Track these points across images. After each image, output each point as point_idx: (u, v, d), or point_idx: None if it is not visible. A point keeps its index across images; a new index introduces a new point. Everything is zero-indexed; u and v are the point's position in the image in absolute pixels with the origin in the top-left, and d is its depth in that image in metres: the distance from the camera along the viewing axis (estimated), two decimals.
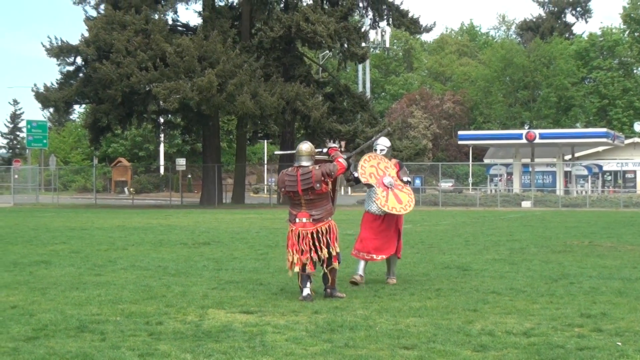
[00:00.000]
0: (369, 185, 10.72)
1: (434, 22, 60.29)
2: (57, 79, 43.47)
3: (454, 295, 9.57)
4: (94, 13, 43.31)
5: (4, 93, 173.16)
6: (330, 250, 9.32)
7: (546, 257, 14.18)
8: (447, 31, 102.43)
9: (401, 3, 45.82)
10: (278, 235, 19.35)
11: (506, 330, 7.40)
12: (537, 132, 51.04)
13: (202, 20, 43.43)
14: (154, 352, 6.55)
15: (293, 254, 9.28)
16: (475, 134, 60.39)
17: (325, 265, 9.36)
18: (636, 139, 61.08)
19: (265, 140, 63.03)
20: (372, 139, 11.23)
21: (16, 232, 21.04)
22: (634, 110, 75.11)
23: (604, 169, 56.87)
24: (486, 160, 66.98)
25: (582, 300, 9.13)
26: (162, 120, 48.61)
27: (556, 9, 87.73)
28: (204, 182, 46.13)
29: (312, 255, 9.22)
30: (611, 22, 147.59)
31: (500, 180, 58.30)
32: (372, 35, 57.61)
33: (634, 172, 58.23)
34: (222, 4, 45.46)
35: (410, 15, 45.38)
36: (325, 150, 9.94)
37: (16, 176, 50.86)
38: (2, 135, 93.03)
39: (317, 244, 9.28)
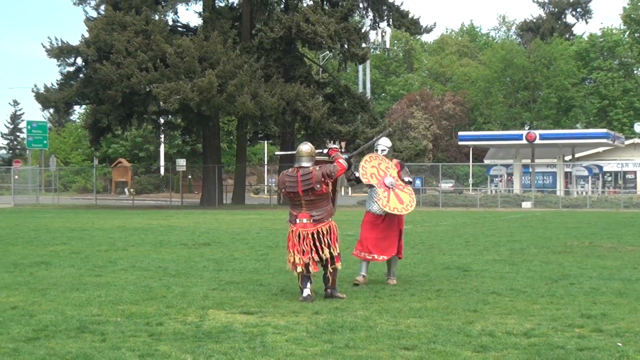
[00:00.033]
0: (370, 186, 10.73)
1: (434, 23, 60.32)
2: (57, 80, 43.51)
3: (454, 295, 9.57)
4: (94, 14, 43.40)
5: (4, 94, 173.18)
6: (332, 251, 9.33)
7: (546, 257, 14.18)
8: (447, 32, 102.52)
9: (401, 4, 45.88)
10: (278, 235, 19.35)
11: (506, 330, 7.40)
12: (537, 132, 51.09)
13: (202, 21, 43.44)
14: (154, 352, 6.55)
15: (294, 254, 9.28)
16: (475, 135, 60.44)
17: (326, 266, 9.36)
18: (636, 140, 61.09)
19: (266, 141, 63.04)
20: (374, 139, 11.24)
21: (16, 232, 21.04)
22: (634, 111, 75.12)
23: (604, 169, 56.88)
24: (486, 161, 66.99)
25: (582, 301, 9.13)
26: (162, 120, 48.61)
27: (556, 9, 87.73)
28: (204, 182, 46.13)
29: (312, 255, 9.23)
30: (611, 22, 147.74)
31: (500, 180, 58.32)
32: (373, 35, 57.61)
33: (634, 172, 58.23)
34: (222, 4, 45.47)
35: (410, 16, 45.40)
36: (325, 151, 9.95)
37: (16, 177, 50.88)
38: (2, 136, 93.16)
39: (317, 244, 9.29)
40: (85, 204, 48.23)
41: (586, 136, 53.01)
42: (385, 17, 46.24)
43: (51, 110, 46.88)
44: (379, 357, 6.42)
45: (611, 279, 11.12)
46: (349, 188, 57.56)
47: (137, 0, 40.30)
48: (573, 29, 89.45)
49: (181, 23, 46.41)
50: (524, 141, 49.29)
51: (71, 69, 43.29)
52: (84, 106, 56.65)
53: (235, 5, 46.76)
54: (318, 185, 9.28)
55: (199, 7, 45.81)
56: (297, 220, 9.38)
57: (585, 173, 52.87)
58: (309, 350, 6.65)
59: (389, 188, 10.63)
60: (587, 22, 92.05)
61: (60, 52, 41.48)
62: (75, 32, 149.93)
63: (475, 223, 26.54)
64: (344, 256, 10.00)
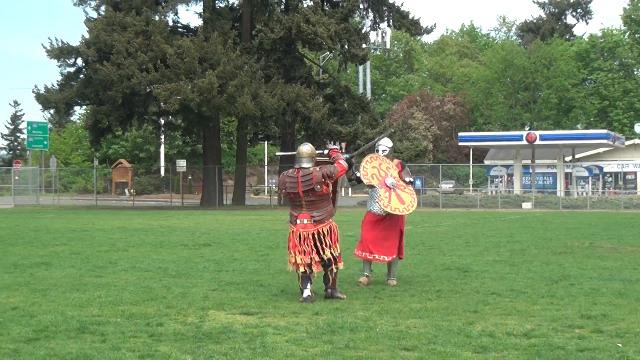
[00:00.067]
0: (372, 186, 10.74)
1: (435, 24, 60.37)
2: (57, 81, 43.54)
3: (455, 296, 9.57)
4: (94, 14, 43.42)
5: (5, 94, 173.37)
6: (332, 251, 9.34)
7: (547, 258, 14.18)
8: (447, 32, 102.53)
9: (402, 4, 45.85)
10: (279, 236, 19.36)
11: (507, 331, 7.40)
12: (537, 133, 51.09)
13: (202, 22, 43.44)
14: (154, 353, 6.55)
15: (295, 255, 9.29)
16: (475, 136, 60.46)
17: (327, 266, 9.37)
18: (637, 141, 61.08)
19: (266, 142, 63.04)
20: (375, 139, 11.24)
21: (17, 233, 21.04)
22: (635, 111, 75.13)
23: (605, 170, 56.88)
24: (487, 162, 66.99)
25: (582, 302, 9.13)
26: (162, 121, 48.61)
27: (557, 10, 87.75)
28: (204, 183, 46.13)
29: (313, 256, 9.23)
30: (612, 23, 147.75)
31: (500, 181, 58.33)
32: (373, 36, 57.66)
33: (635, 173, 58.23)
34: (222, 5, 45.47)
35: (410, 16, 45.41)
36: (326, 152, 9.97)
37: (17, 177, 50.88)
38: (2, 137, 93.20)
39: (318, 245, 9.29)
40: (85, 204, 48.24)
41: (586, 137, 53.03)
42: (386, 18, 46.26)
43: (51, 111, 46.89)
44: (379, 358, 6.42)
45: (611, 279, 11.12)
46: (349, 189, 57.67)
47: (137, 1, 40.31)
48: (573, 29, 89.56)
49: (181, 24, 46.46)
50: (524, 142, 49.31)
51: (71, 69, 43.34)
52: (84, 107, 56.68)
53: (235, 6, 46.77)
54: (318, 186, 9.28)
55: (199, 7, 45.88)
56: (298, 221, 9.39)
57: (586, 174, 52.87)
58: (309, 351, 6.66)
59: (390, 188, 10.63)
60: (587, 23, 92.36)
61: (61, 52, 41.49)
62: (76, 33, 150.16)
63: (475, 224, 26.54)
64: (344, 257, 10.01)
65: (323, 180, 9.30)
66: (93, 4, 43.32)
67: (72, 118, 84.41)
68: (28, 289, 10.17)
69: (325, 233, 9.35)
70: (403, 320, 7.97)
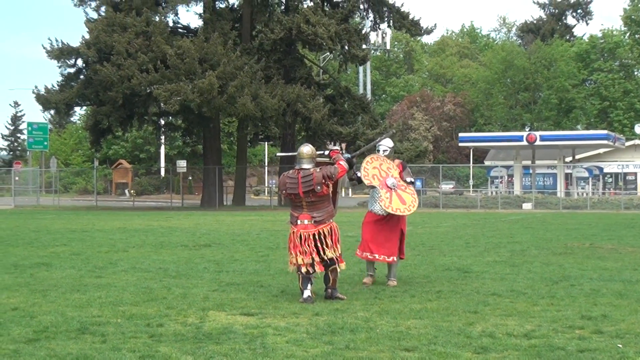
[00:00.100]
0: (373, 186, 10.75)
1: (435, 24, 60.24)
2: (57, 81, 43.54)
3: (455, 297, 9.57)
4: (94, 15, 43.40)
5: (5, 95, 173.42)
6: (333, 252, 9.35)
7: (547, 259, 14.18)
8: (447, 33, 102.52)
9: (402, 5, 45.89)
10: (279, 237, 19.35)
11: (507, 332, 7.40)
12: (537, 134, 51.05)
13: (202, 23, 43.44)
14: (154, 354, 6.55)
15: (296, 255, 9.29)
16: (476, 136, 60.43)
17: (328, 267, 9.37)
18: (637, 141, 61.08)
19: (266, 142, 63.05)
20: (377, 140, 11.24)
21: (17, 234, 21.05)
22: (635, 112, 75.13)
23: (605, 171, 56.85)
24: (487, 162, 66.97)
25: (582, 302, 9.13)
26: (162, 122, 48.64)
27: (557, 11, 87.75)
28: (204, 184, 46.13)
29: (314, 257, 9.23)
30: (612, 24, 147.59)
31: (501, 182, 58.33)
32: (373, 37, 57.70)
33: (635, 174, 58.22)
34: (222, 6, 45.46)
35: (411, 17, 45.42)
36: (326, 152, 9.97)
37: (17, 178, 50.87)
38: (3, 137, 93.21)
39: (318, 245, 9.29)
40: (85, 205, 48.24)
41: (587, 137, 52.99)
42: (386, 19, 46.26)
43: (52, 112, 46.92)
44: (379, 359, 6.42)
45: (612, 280, 11.12)
46: (349, 189, 57.66)
47: (137, 1, 40.31)
48: (573, 30, 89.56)
49: (182, 24, 46.44)
50: (525, 142, 49.29)
51: (72, 70, 43.34)
52: (84, 107, 56.68)
53: (235, 6, 46.77)
54: (319, 187, 9.29)
55: (199, 8, 45.87)
56: (298, 222, 9.39)
57: (586, 174, 52.86)
58: (309, 351, 6.66)
59: (391, 189, 10.64)
60: (587, 24, 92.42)
61: (61, 53, 41.50)
62: (76, 34, 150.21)
63: (475, 224, 26.54)
64: (345, 257, 10.00)
65: (323, 181, 9.30)
66: (93, 4, 43.35)
67: (72, 119, 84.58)
68: (28, 290, 10.17)
69: (326, 234, 9.35)
70: (403, 321, 7.97)
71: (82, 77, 42.96)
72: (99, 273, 12.04)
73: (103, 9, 42.24)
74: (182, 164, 49.51)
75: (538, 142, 48.90)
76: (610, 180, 58.50)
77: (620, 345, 6.84)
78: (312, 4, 43.03)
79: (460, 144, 59.10)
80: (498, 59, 77.28)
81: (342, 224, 10.54)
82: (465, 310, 8.60)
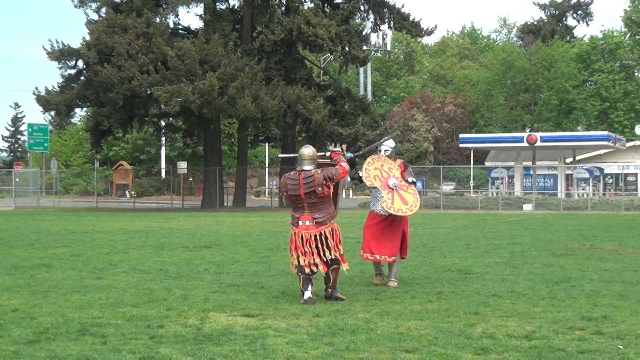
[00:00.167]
0: (374, 187, 10.77)
1: (435, 25, 60.24)
2: (58, 83, 43.54)
3: (455, 298, 9.57)
4: (95, 16, 43.38)
5: (5, 96, 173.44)
6: (335, 253, 9.35)
7: (547, 260, 14.18)
8: (448, 34, 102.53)
9: (402, 6, 45.86)
10: (279, 238, 19.36)
11: (507, 333, 7.40)
12: (538, 135, 51.06)
13: (203, 24, 43.44)
14: (155, 355, 6.55)
15: (298, 256, 9.30)
16: (476, 137, 60.44)
17: (330, 266, 9.38)
18: (637, 142, 61.08)
19: (267, 144, 63.04)
20: (381, 140, 11.24)
21: (17, 235, 21.05)
22: (635, 113, 75.13)
23: (605, 172, 56.87)
24: (487, 163, 66.99)
25: (583, 303, 9.13)
26: (163, 123, 48.65)
27: (557, 12, 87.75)
28: (205, 185, 46.13)
29: (314, 257, 9.24)
30: (612, 25, 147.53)
31: (501, 183, 58.33)
32: (374, 38, 57.65)
33: (635, 175, 58.22)
34: (223, 7, 45.47)
35: (411, 18, 45.42)
36: (328, 154, 9.98)
37: (17, 179, 50.89)
38: (3, 139, 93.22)
39: (319, 246, 9.30)
40: (86, 206, 48.24)
41: (587, 138, 53.00)
42: (386, 20, 46.26)
43: (52, 113, 46.97)
44: None
45: (612, 281, 11.12)
46: (350, 191, 57.64)
47: (138, 2, 40.31)
48: (574, 31, 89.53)
49: (182, 26, 46.45)
50: (525, 143, 49.28)
51: (72, 71, 43.36)
52: (84, 109, 56.69)
53: (236, 8, 46.79)
54: (320, 188, 9.29)
55: (200, 9, 45.87)
56: (300, 223, 9.40)
57: (586, 175, 52.85)
58: (309, 352, 6.66)
59: (393, 189, 10.64)
60: (588, 25, 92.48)
61: (62, 54, 41.52)
62: (76, 35, 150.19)
63: (476, 225, 26.54)
64: (346, 259, 10.00)
65: (324, 182, 9.31)
66: (94, 6, 43.34)
67: (72, 120, 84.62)
68: (29, 291, 10.18)
69: (328, 235, 9.36)
70: (404, 322, 7.97)
71: (82, 78, 42.98)
72: (100, 274, 12.04)
73: (104, 10, 42.24)
74: (182, 165, 49.52)
75: (538, 143, 48.90)
76: (610, 181, 58.52)
77: (620, 347, 6.83)
78: (312, 5, 43.03)
79: (460, 145, 59.10)
80: (498, 60, 77.30)
81: (342, 225, 10.55)
82: (466, 311, 8.60)
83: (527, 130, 69.95)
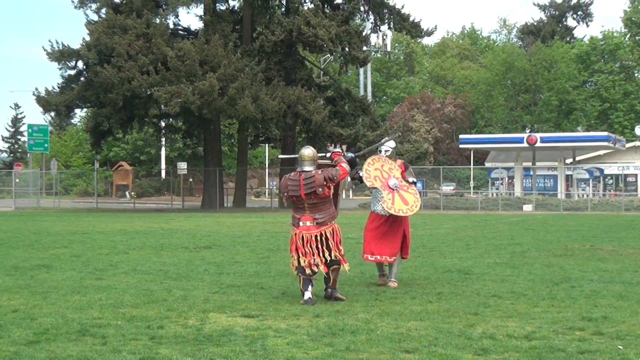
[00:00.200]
0: (375, 187, 10.77)
1: (435, 26, 60.21)
2: (58, 83, 43.53)
3: (455, 298, 9.57)
4: (95, 17, 43.35)
5: (5, 97, 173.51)
6: (336, 253, 9.36)
7: (547, 260, 14.18)
8: (448, 35, 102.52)
9: (402, 7, 45.86)
10: (279, 239, 19.36)
11: (507, 333, 7.40)
12: (538, 135, 51.03)
13: (203, 24, 43.44)
14: (155, 356, 6.56)
15: (298, 256, 9.30)
16: (476, 138, 60.42)
17: (330, 266, 9.38)
18: (637, 143, 61.09)
19: (267, 144, 63.04)
20: (382, 141, 11.23)
21: (17, 236, 21.05)
22: (635, 113, 75.14)
23: (605, 172, 56.85)
24: (487, 164, 66.98)
25: (583, 304, 9.13)
26: (163, 124, 48.64)
27: (557, 12, 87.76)
28: (205, 185, 46.12)
29: (315, 257, 9.24)
30: (612, 25, 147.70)
31: (501, 183, 58.33)
32: (374, 39, 57.65)
33: (635, 175, 58.21)
34: (223, 8, 45.47)
35: (411, 19, 45.43)
36: (328, 155, 9.99)
37: (17, 180, 50.90)
38: (3, 139, 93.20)
39: (320, 246, 9.30)
40: (86, 207, 48.23)
41: (587, 139, 53.00)
42: (386, 20, 46.26)
43: (52, 114, 46.97)
44: None
45: (612, 282, 11.12)
46: (350, 191, 57.66)
47: (138, 3, 40.30)
48: (574, 32, 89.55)
49: (182, 26, 46.42)
50: (525, 144, 49.27)
51: (72, 72, 43.32)
52: (85, 109, 56.67)
53: (236, 8, 46.77)
54: (320, 189, 9.30)
55: (200, 10, 45.84)
56: (301, 223, 9.41)
57: (586, 176, 52.82)
58: (309, 353, 6.66)
59: (393, 190, 10.64)
60: (588, 25, 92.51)
61: (62, 55, 41.51)
62: (76, 36, 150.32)
63: (476, 226, 26.54)
64: (346, 259, 10.00)
65: (325, 183, 9.32)
66: (94, 6, 43.31)
67: (72, 121, 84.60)
68: (29, 292, 10.18)
69: (328, 235, 9.37)
70: (404, 323, 7.97)
71: (82, 79, 42.96)
72: (100, 275, 12.04)
73: (103, 11, 42.22)
74: (182, 165, 49.52)
75: (538, 144, 48.89)
76: (610, 181, 58.50)
77: (620, 347, 6.84)
78: (312, 5, 43.05)
79: (460, 146, 59.09)
80: (498, 60, 77.31)
81: (342, 225, 10.55)
82: (466, 311, 8.60)
83: (527, 131, 69.96)
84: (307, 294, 9.19)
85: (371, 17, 47.04)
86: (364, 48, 45.36)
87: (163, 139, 58.87)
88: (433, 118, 76.66)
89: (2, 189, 57.18)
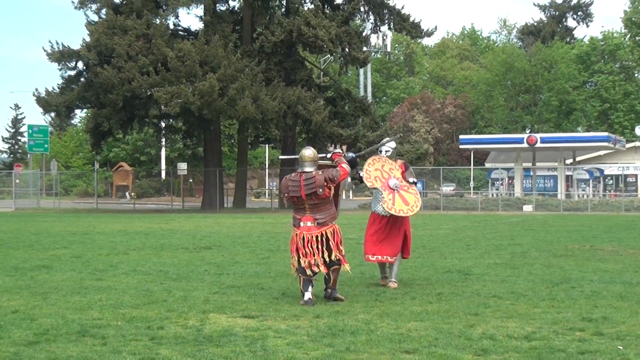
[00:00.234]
0: (375, 188, 10.77)
1: (435, 26, 60.02)
2: (58, 84, 43.51)
3: (455, 299, 9.57)
4: (95, 18, 43.36)
5: (6, 98, 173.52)
6: (336, 253, 9.36)
7: (547, 261, 14.17)
8: (448, 35, 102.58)
9: (402, 7, 45.88)
10: (279, 239, 19.35)
11: (507, 334, 7.40)
12: (538, 136, 51.01)
13: (203, 25, 43.44)
14: (155, 356, 6.56)
15: (299, 257, 9.31)
16: (476, 139, 60.42)
17: (330, 267, 9.38)
18: (637, 143, 61.06)
19: (267, 145, 63.03)
20: (383, 142, 11.23)
21: (17, 236, 21.04)
22: (635, 114, 75.16)
23: (605, 173, 56.83)
24: (487, 165, 66.98)
25: (583, 304, 9.13)
26: (163, 124, 48.64)
27: (557, 13, 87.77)
28: (205, 186, 46.12)
29: (316, 258, 9.24)
30: (612, 26, 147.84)
31: (501, 184, 58.33)
32: (374, 39, 57.69)
33: (635, 176, 58.20)
34: (223, 8, 45.48)
35: (411, 19, 45.44)
36: (329, 155, 9.99)
37: (17, 181, 50.89)
38: (3, 140, 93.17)
39: (320, 247, 9.30)
40: (86, 207, 48.22)
41: (587, 139, 52.98)
42: (386, 21, 46.27)
43: (52, 114, 46.97)
44: None
45: (612, 282, 11.12)
46: (350, 192, 57.67)
47: (138, 4, 40.31)
48: (574, 32, 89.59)
49: (182, 27, 46.43)
50: (525, 145, 49.26)
51: (72, 73, 43.32)
52: (85, 110, 56.63)
53: (236, 9, 46.78)
54: (321, 190, 9.30)
55: (200, 11, 45.85)
56: (301, 224, 9.41)
57: (587, 176, 52.83)
58: (309, 354, 6.66)
59: (394, 190, 10.64)
60: (588, 26, 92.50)
61: (62, 56, 41.51)
62: (77, 36, 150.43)
63: (476, 226, 26.54)
64: (347, 260, 10.00)
65: (325, 183, 9.32)
66: (94, 7, 43.30)
67: (72, 121, 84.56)
68: (29, 292, 10.18)
69: (329, 236, 9.37)
70: (404, 323, 7.97)
71: (82, 79, 42.97)
72: (100, 276, 12.04)
73: (104, 11, 42.22)
74: (182, 166, 49.50)
75: (538, 144, 48.88)
76: (610, 182, 58.50)
77: (620, 347, 6.84)
78: (312, 6, 43.05)
79: (460, 146, 59.09)
80: (499, 61, 77.33)
81: (343, 226, 10.55)
82: (466, 312, 8.60)
83: (527, 132, 69.95)
84: (307, 295, 9.19)
85: (371, 18, 47.07)
86: (364, 48, 45.37)
87: (163, 140, 58.88)
88: (433, 118, 76.67)
89: (2, 189, 57.19)
